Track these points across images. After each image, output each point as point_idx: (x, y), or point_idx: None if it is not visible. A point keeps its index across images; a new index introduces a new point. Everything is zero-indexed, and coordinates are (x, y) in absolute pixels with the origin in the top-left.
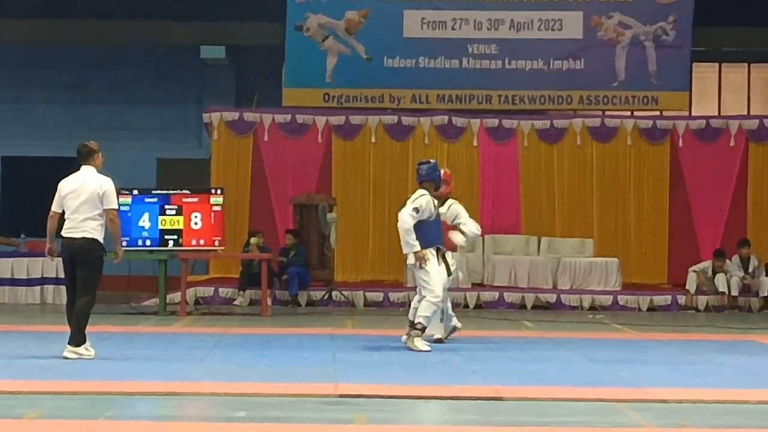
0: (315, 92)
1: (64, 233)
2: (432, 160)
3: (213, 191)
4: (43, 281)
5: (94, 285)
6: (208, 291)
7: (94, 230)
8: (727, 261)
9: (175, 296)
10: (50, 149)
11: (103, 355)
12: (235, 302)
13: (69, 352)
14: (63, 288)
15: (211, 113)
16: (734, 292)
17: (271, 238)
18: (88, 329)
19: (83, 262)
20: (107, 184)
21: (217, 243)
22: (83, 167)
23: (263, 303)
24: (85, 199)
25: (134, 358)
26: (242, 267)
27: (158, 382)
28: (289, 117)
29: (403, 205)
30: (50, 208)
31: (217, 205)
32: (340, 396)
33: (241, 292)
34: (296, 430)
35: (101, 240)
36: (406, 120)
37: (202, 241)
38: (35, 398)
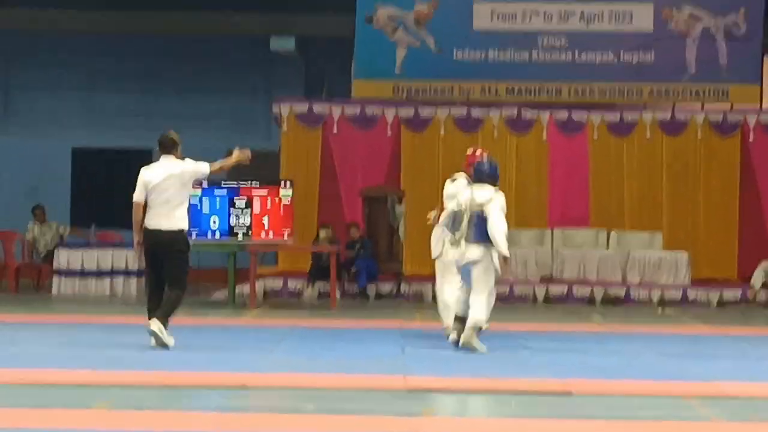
0: (384, 84)
1: (149, 224)
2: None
3: (282, 183)
4: (112, 273)
5: (185, 276)
6: (277, 283)
7: (181, 220)
8: None
9: (244, 288)
10: (119, 140)
11: (174, 347)
12: (303, 295)
13: (155, 325)
14: (132, 279)
15: (281, 104)
16: None
17: (340, 231)
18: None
19: (173, 253)
20: (187, 162)
21: (286, 235)
22: (164, 157)
23: (332, 295)
24: (173, 187)
25: (204, 350)
26: (312, 260)
27: (228, 374)
28: (358, 109)
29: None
30: (132, 199)
31: (286, 197)
32: (409, 389)
33: (310, 285)
34: (365, 422)
35: (187, 229)
36: (476, 113)
37: (271, 234)
38: (105, 389)
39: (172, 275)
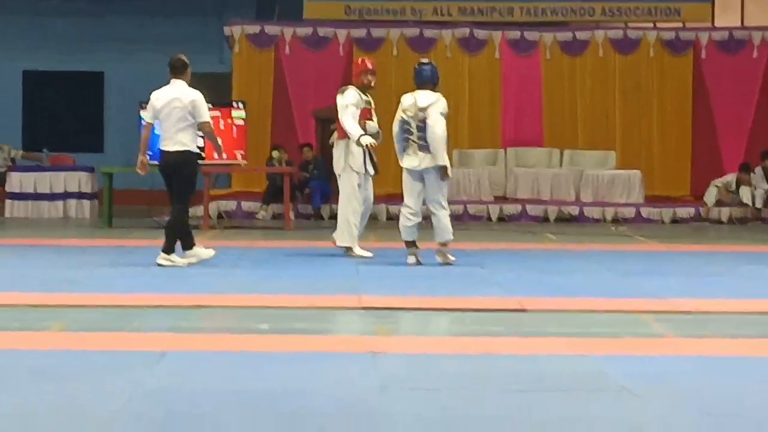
0: (336, 5)
1: (160, 146)
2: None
3: (235, 105)
4: (66, 196)
5: (187, 194)
6: (230, 205)
7: (188, 142)
8: (752, 175)
9: (197, 210)
10: (70, 63)
11: (126, 269)
12: (257, 216)
13: (162, 259)
14: (86, 202)
15: (232, 27)
16: (758, 204)
17: (293, 152)
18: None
19: (178, 174)
20: (197, 96)
21: (239, 157)
22: (173, 80)
23: (286, 216)
24: (178, 111)
25: (157, 272)
26: (267, 181)
27: (181, 295)
28: (310, 30)
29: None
30: (142, 121)
31: (239, 119)
32: (363, 308)
33: (264, 206)
34: (319, 341)
35: (195, 150)
36: (428, 33)
37: (224, 155)
38: (60, 311)
39: (175, 193)
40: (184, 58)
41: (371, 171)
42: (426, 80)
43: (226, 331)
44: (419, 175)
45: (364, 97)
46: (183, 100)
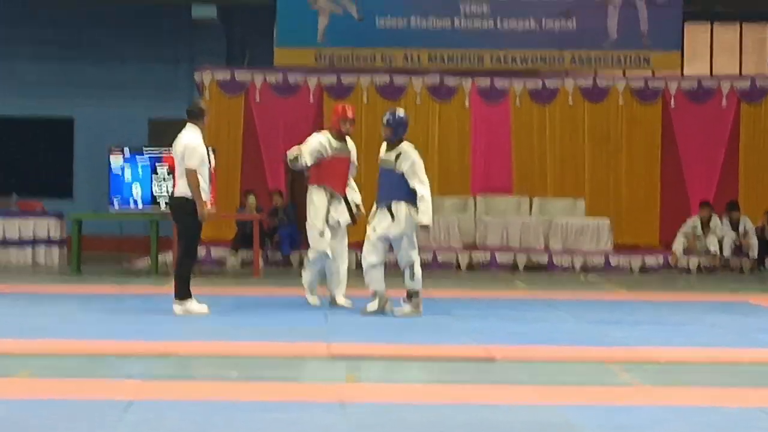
0: (306, 52)
1: None
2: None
3: None
4: (34, 242)
5: (186, 241)
6: (200, 252)
7: (184, 188)
8: (715, 217)
9: (167, 257)
10: (40, 109)
11: (94, 316)
12: (227, 263)
13: (177, 306)
14: (55, 249)
15: (202, 72)
16: (726, 253)
17: (263, 199)
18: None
19: (175, 219)
20: (190, 140)
21: (209, 204)
22: (187, 125)
23: (255, 264)
24: (178, 157)
25: (126, 319)
26: (237, 227)
27: (150, 342)
28: (280, 77)
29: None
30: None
31: None
32: (332, 356)
33: (234, 253)
34: (288, 389)
35: (191, 197)
36: (398, 80)
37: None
38: (27, 358)
39: (179, 240)
40: (201, 104)
41: (341, 222)
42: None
43: (196, 378)
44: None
45: (334, 144)
46: (179, 145)
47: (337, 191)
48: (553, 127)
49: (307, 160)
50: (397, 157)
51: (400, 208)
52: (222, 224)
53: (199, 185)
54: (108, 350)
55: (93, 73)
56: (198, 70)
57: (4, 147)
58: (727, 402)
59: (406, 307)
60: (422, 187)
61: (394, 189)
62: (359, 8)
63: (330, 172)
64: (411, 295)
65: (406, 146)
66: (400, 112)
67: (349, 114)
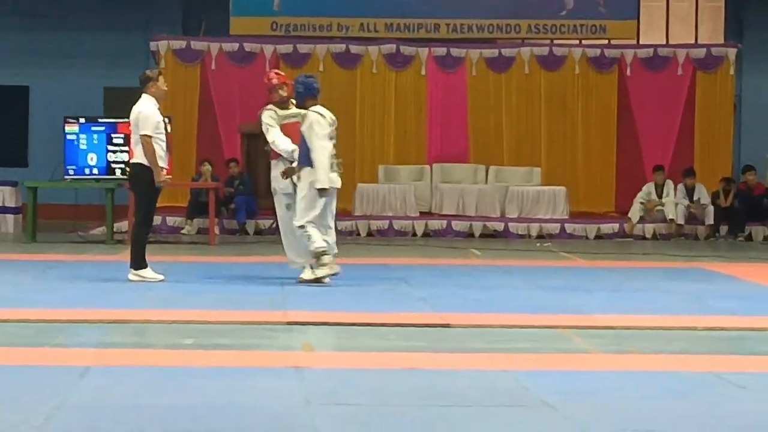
0: (263, 21)
1: None
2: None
3: None
4: None
5: (142, 208)
6: (155, 219)
7: (140, 155)
8: (669, 182)
9: (122, 225)
10: None
11: (50, 284)
12: (182, 231)
13: (131, 274)
14: (9, 216)
15: (158, 41)
16: (680, 221)
17: (219, 168)
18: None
19: (132, 187)
20: (142, 108)
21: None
22: (142, 95)
23: (211, 232)
24: (132, 125)
25: (81, 286)
26: (191, 196)
27: (105, 310)
28: (236, 46)
29: (351, 132)
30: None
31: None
32: (288, 323)
33: (189, 221)
34: (244, 356)
35: (147, 164)
36: (355, 49)
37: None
38: None
39: (135, 207)
40: (147, 73)
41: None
42: (318, 93)
43: (151, 346)
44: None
45: (281, 112)
46: (133, 113)
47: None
48: (510, 96)
49: (282, 142)
50: (303, 120)
51: (303, 171)
52: (178, 192)
53: (154, 152)
54: (64, 318)
55: (48, 41)
56: (154, 39)
57: None
58: (682, 367)
59: (308, 272)
60: (313, 152)
61: (302, 152)
62: None
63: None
64: (317, 257)
65: (312, 111)
66: (302, 76)
67: (274, 80)
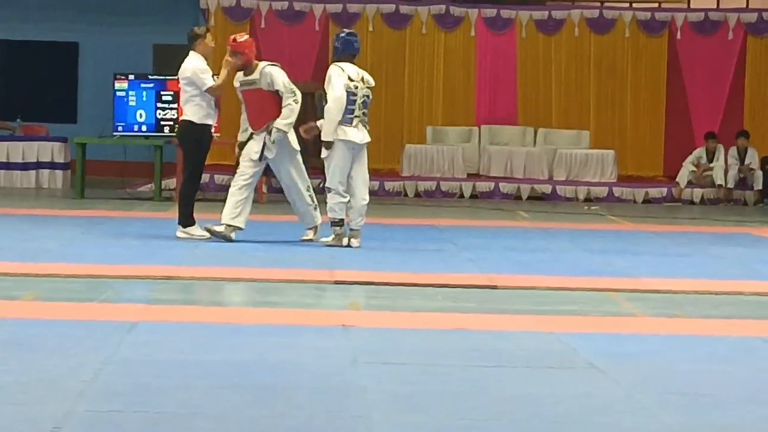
0: None
1: None
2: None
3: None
4: (38, 165)
5: (190, 166)
6: (203, 177)
7: (189, 113)
8: (720, 147)
9: (170, 182)
10: (44, 33)
11: (98, 240)
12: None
13: (179, 231)
14: (59, 172)
15: None
16: (731, 184)
17: None
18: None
19: (181, 144)
20: (194, 66)
21: (212, 130)
22: (190, 53)
23: (260, 190)
24: (182, 83)
25: (129, 243)
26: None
27: (153, 266)
28: (286, 4)
29: (399, 93)
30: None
31: None
32: (336, 282)
33: None
34: (291, 315)
35: (196, 121)
36: (404, 9)
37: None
38: (31, 281)
39: (184, 165)
40: (195, 30)
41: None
42: (357, 52)
43: (198, 303)
44: (356, 150)
45: (241, 78)
46: (183, 73)
47: (254, 128)
48: (559, 58)
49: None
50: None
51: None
52: (226, 150)
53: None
54: (111, 273)
55: None
56: None
57: (8, 71)
58: (729, 332)
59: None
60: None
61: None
62: None
63: (246, 110)
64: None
65: (334, 65)
66: (344, 32)
67: (229, 47)
